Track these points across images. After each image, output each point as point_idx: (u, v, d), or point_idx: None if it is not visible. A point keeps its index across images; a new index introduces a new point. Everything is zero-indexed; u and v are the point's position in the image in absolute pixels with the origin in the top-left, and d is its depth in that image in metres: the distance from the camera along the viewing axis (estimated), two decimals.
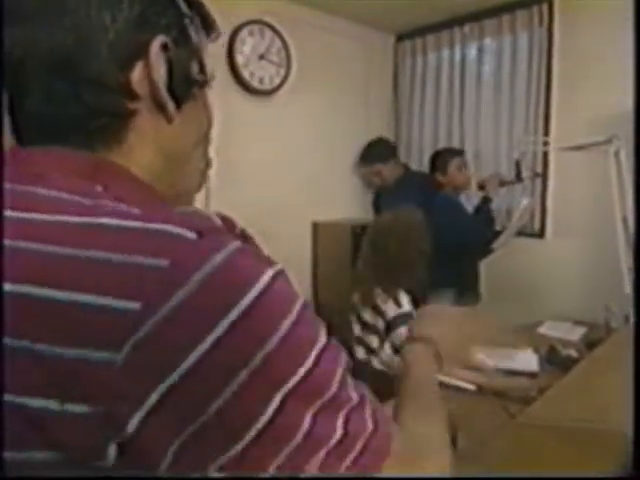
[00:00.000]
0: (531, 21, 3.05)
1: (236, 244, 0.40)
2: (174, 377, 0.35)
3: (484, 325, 0.86)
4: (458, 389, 1.60)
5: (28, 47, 0.44)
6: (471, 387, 1.57)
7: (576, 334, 2.49)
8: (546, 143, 2.95)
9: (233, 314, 0.37)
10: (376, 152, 3.32)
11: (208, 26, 0.56)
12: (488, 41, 3.31)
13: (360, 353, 2.05)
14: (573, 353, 2.10)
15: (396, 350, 1.95)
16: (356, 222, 3.19)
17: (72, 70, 0.45)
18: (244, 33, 2.83)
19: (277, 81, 3.02)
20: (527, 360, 2.07)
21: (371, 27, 3.54)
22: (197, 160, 0.56)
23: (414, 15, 3.33)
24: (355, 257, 2.93)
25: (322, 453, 0.40)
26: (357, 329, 2.08)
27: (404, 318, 1.96)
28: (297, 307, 0.40)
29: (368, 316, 2.03)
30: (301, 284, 3.34)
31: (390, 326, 1.95)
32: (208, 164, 0.59)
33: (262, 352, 0.37)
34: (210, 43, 0.58)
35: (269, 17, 2.92)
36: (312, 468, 0.40)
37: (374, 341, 2.01)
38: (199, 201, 0.60)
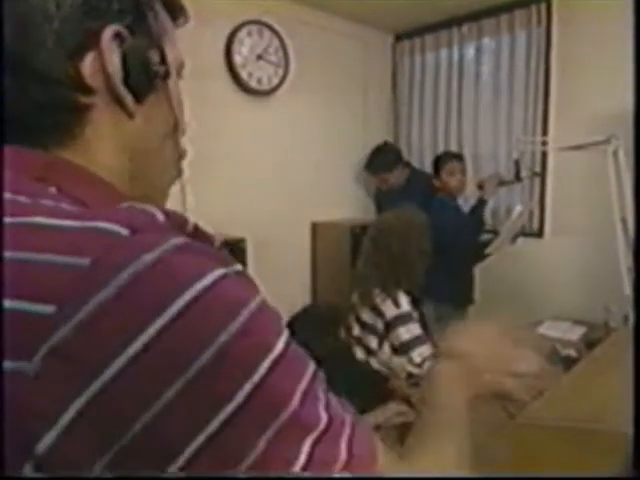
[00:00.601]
0: (529, 21, 3.06)
1: (176, 241, 0.36)
2: (92, 390, 0.31)
3: (521, 340, 0.78)
4: None
5: None
6: None
7: (575, 334, 2.49)
8: (545, 143, 2.95)
9: (161, 320, 0.32)
10: (381, 161, 3.30)
11: (173, 10, 0.52)
12: (486, 41, 3.31)
13: (359, 353, 2.05)
14: (572, 353, 2.10)
15: (395, 350, 1.94)
16: (355, 222, 3.19)
17: (18, 64, 0.41)
18: (242, 33, 2.82)
19: (275, 81, 3.02)
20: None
21: (370, 27, 3.54)
22: (168, 154, 0.53)
23: (413, 15, 3.33)
24: (354, 257, 2.93)
25: None
26: (356, 329, 2.07)
27: (403, 318, 1.96)
28: (246, 312, 0.35)
29: (367, 316, 2.03)
30: (300, 284, 3.34)
31: (389, 326, 1.95)
32: (181, 155, 0.56)
33: (197, 364, 0.33)
34: (178, 28, 0.54)
35: (267, 17, 2.91)
36: None
37: (373, 341, 2.01)
38: (190, 202, 0.59)
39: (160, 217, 0.38)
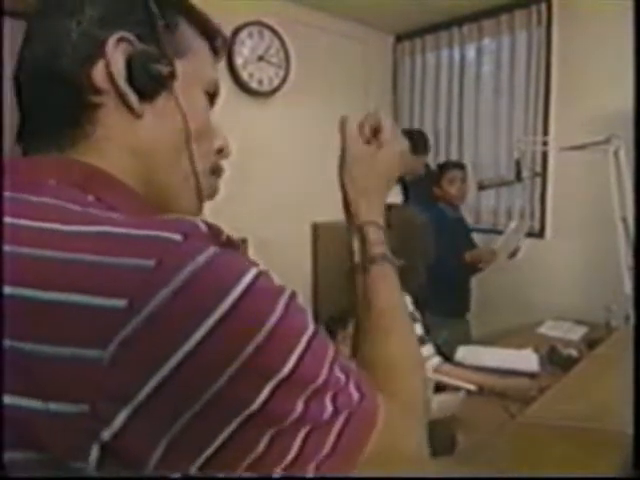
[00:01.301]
0: (530, 21, 3.06)
1: (216, 249, 0.40)
2: (163, 373, 0.35)
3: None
4: (458, 389, 1.60)
5: (21, 65, 0.52)
6: (472, 387, 1.57)
7: (576, 334, 2.49)
8: (545, 143, 2.95)
9: (218, 312, 0.37)
10: (414, 142, 3.19)
11: (204, 31, 0.57)
12: (487, 41, 3.31)
13: None
14: (573, 353, 2.10)
15: None
16: None
17: (46, 73, 0.49)
18: (243, 34, 2.83)
19: (276, 82, 3.02)
20: (527, 360, 2.07)
21: (370, 28, 3.54)
22: (182, 158, 0.55)
23: (413, 15, 3.34)
24: None
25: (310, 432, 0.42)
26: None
27: None
28: (282, 302, 0.41)
29: None
30: (301, 285, 3.34)
31: None
32: (215, 171, 0.60)
33: (250, 346, 0.37)
34: (218, 52, 0.60)
35: (268, 18, 2.92)
36: (296, 444, 0.41)
37: None
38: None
39: (203, 227, 0.43)
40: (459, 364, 2.03)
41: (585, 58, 2.88)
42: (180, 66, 0.53)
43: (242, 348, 0.37)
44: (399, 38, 3.72)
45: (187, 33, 0.55)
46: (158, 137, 0.53)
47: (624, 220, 2.22)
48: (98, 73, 0.49)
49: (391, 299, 0.65)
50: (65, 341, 0.35)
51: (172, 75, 0.52)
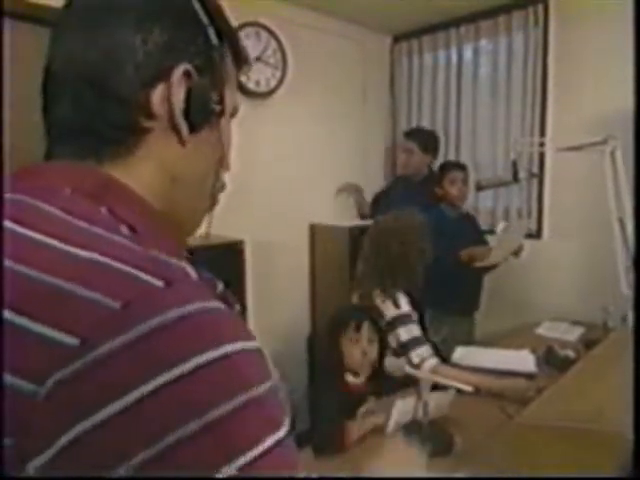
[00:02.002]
0: (527, 22, 3.06)
1: (207, 304, 0.38)
2: (86, 424, 0.32)
3: None
4: (456, 390, 1.60)
5: (65, 61, 0.50)
6: (468, 388, 1.57)
7: (574, 334, 2.49)
8: (542, 144, 2.96)
9: (162, 378, 0.33)
10: (422, 137, 3.23)
11: (239, 59, 0.59)
12: (484, 42, 3.31)
13: None
14: (571, 353, 2.11)
15: (393, 351, 1.94)
16: (354, 224, 3.19)
17: (99, 84, 0.48)
18: (240, 35, 2.82)
19: (273, 83, 3.02)
20: (524, 361, 2.07)
21: (367, 28, 3.55)
22: (208, 185, 0.57)
23: (410, 16, 3.34)
24: (353, 259, 2.93)
25: None
26: None
27: (403, 319, 1.96)
28: (245, 397, 0.36)
29: None
30: (299, 286, 3.34)
31: (388, 327, 1.95)
32: (219, 188, 0.61)
33: (179, 432, 0.33)
34: (241, 75, 0.62)
35: (265, 19, 2.91)
36: None
37: None
38: None
39: (192, 273, 0.41)
40: (456, 365, 2.04)
41: (582, 59, 2.88)
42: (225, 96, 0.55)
43: (164, 434, 0.33)
44: (396, 39, 3.72)
45: (228, 59, 0.57)
46: (196, 165, 0.54)
47: (621, 221, 2.23)
48: (157, 98, 0.49)
49: None
50: (9, 368, 0.33)
51: (222, 112, 0.54)
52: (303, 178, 3.22)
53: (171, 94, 0.49)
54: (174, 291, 0.37)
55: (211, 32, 0.53)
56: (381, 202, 3.32)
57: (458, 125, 3.43)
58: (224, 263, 2.46)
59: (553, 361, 2.09)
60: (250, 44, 2.88)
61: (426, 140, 3.25)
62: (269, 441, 0.37)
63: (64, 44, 0.51)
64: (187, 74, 0.50)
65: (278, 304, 3.16)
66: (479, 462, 1.23)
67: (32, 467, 0.33)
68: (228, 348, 0.36)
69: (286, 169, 3.13)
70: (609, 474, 1.06)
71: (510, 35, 3.15)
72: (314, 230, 3.34)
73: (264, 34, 2.93)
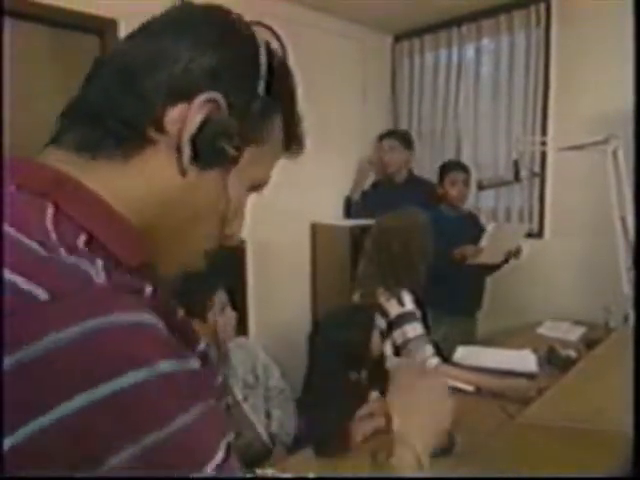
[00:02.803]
0: (528, 21, 3.06)
1: (108, 318, 0.33)
2: None
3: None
4: (456, 390, 1.59)
5: (113, 52, 0.51)
6: (469, 388, 1.56)
7: (575, 334, 2.49)
8: (544, 143, 2.95)
9: (36, 424, 0.30)
10: (403, 136, 3.39)
11: (291, 139, 0.58)
12: (486, 41, 3.31)
13: None
14: (572, 353, 2.10)
15: (397, 349, 1.94)
16: (354, 223, 3.19)
17: (131, 80, 0.47)
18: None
19: None
20: (526, 361, 2.06)
21: (369, 28, 3.54)
22: (198, 234, 0.53)
23: (412, 15, 3.33)
24: (354, 258, 2.92)
25: None
26: None
27: (407, 317, 1.96)
28: (163, 434, 0.32)
29: None
30: (300, 285, 3.34)
31: (392, 325, 1.95)
32: (212, 253, 0.57)
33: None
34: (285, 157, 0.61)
35: (266, 18, 2.91)
36: None
37: None
38: None
39: (100, 278, 0.36)
40: (457, 364, 2.03)
41: (583, 58, 2.88)
42: (248, 153, 0.51)
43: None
44: (398, 38, 3.72)
45: (274, 126, 0.54)
46: (191, 203, 0.50)
47: (623, 220, 2.22)
48: (173, 115, 0.47)
49: None
50: None
51: (234, 160, 0.51)
52: (304, 177, 3.21)
53: (188, 114, 0.47)
54: (58, 308, 0.32)
55: (262, 83, 0.51)
56: (365, 204, 3.32)
57: (459, 124, 3.42)
58: (225, 263, 2.46)
59: (554, 361, 2.09)
60: None
61: (404, 136, 3.39)
62: (204, 472, 0.34)
63: (121, 42, 0.51)
64: (212, 103, 0.48)
65: (279, 303, 3.16)
66: (480, 462, 1.23)
67: None
68: (124, 380, 0.32)
69: (286, 168, 3.12)
70: (610, 473, 1.06)
71: (512, 34, 3.14)
72: (315, 229, 3.34)
73: (265, 34, 2.93)
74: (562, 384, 1.52)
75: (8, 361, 0.29)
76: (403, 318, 1.96)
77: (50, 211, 0.41)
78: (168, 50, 0.48)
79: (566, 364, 1.94)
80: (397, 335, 1.94)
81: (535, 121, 3.07)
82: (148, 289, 0.42)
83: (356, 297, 2.11)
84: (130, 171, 0.47)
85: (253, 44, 0.53)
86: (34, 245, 0.36)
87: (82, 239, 0.42)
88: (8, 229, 0.37)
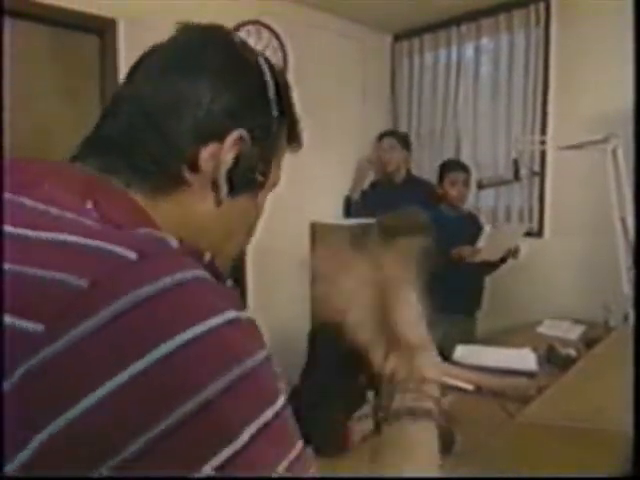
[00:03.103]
0: (528, 20, 3.06)
1: (186, 274, 0.35)
2: (60, 422, 0.30)
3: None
4: (456, 389, 1.60)
5: (136, 92, 0.51)
6: (469, 387, 1.57)
7: (575, 333, 2.49)
8: (543, 142, 2.95)
9: (149, 357, 0.31)
10: (402, 137, 3.42)
11: (293, 137, 0.61)
12: (485, 41, 3.31)
13: None
14: (572, 352, 2.10)
15: None
16: (354, 223, 3.19)
17: (156, 122, 0.49)
18: (241, 34, 2.82)
19: None
20: (526, 359, 2.07)
21: (368, 27, 3.54)
22: (229, 247, 0.57)
23: (411, 15, 3.33)
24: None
25: None
26: None
27: None
28: (239, 370, 0.34)
29: None
30: (299, 285, 3.34)
31: None
32: (241, 255, 0.60)
33: (175, 414, 0.31)
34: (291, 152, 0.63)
35: (266, 18, 2.91)
36: None
37: None
38: None
39: (173, 243, 0.38)
40: (457, 363, 2.04)
41: (583, 57, 2.88)
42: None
43: (161, 418, 0.31)
44: (397, 37, 3.72)
45: (283, 134, 0.58)
46: (224, 226, 0.54)
47: (623, 219, 2.22)
48: (206, 154, 0.49)
49: None
50: None
51: (264, 183, 0.55)
52: (304, 177, 3.21)
53: (221, 154, 0.49)
54: (148, 263, 0.35)
55: (274, 105, 0.54)
56: (364, 203, 3.33)
57: (459, 124, 3.43)
58: None
59: (554, 360, 2.09)
60: (251, 43, 2.87)
61: (403, 137, 3.42)
62: (266, 415, 0.35)
63: (138, 77, 0.52)
64: (240, 139, 0.51)
65: (278, 302, 3.16)
66: (480, 461, 1.23)
67: (10, 470, 0.30)
68: (213, 322, 0.34)
69: (286, 168, 3.12)
70: (609, 473, 1.06)
71: (511, 34, 3.15)
72: (315, 229, 3.34)
73: (265, 33, 2.93)
74: (562, 383, 1.52)
75: (104, 317, 0.31)
76: None
77: (90, 205, 0.42)
78: (188, 93, 0.50)
79: (566, 363, 1.94)
80: None
81: (535, 120, 3.07)
82: (207, 255, 0.44)
83: None
84: (163, 204, 0.49)
85: (259, 70, 0.55)
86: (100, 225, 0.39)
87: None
88: (68, 214, 0.39)
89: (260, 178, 0.54)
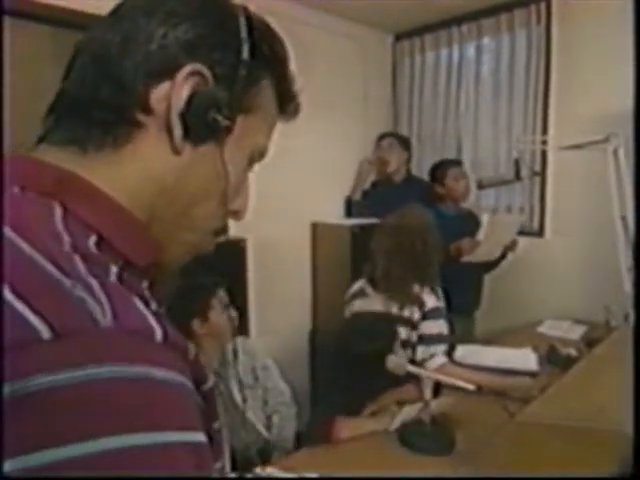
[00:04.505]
0: (529, 20, 3.05)
1: (106, 369, 0.31)
2: None
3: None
4: (458, 389, 1.59)
5: (87, 40, 0.49)
6: (471, 387, 1.56)
7: (576, 333, 2.49)
8: (545, 142, 2.95)
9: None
10: (402, 137, 3.44)
11: (285, 101, 0.57)
12: (486, 40, 3.30)
13: None
14: (573, 352, 2.10)
15: (420, 338, 1.97)
16: (355, 222, 3.19)
17: (107, 65, 0.46)
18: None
19: None
20: (527, 359, 2.07)
21: (369, 27, 3.54)
22: (202, 213, 0.52)
23: (412, 14, 3.33)
24: (354, 257, 2.92)
25: None
26: None
27: (441, 311, 2.01)
28: None
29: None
30: (301, 284, 3.34)
31: (426, 316, 1.99)
32: (218, 231, 0.56)
33: None
34: (288, 119, 0.61)
35: (266, 17, 2.91)
36: None
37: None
38: None
39: (106, 317, 0.33)
40: (458, 363, 2.04)
41: (584, 57, 2.87)
42: (241, 122, 0.50)
43: None
44: (398, 37, 3.71)
45: (265, 91, 0.53)
46: (190, 182, 0.49)
47: (623, 219, 2.22)
48: (158, 94, 0.46)
49: None
50: None
51: (228, 130, 0.49)
52: (305, 176, 3.21)
53: (172, 91, 0.46)
54: (58, 346, 0.31)
55: (245, 47, 0.49)
56: (366, 203, 3.33)
57: (460, 124, 3.42)
58: (226, 261, 2.46)
59: (555, 360, 2.09)
60: None
61: (402, 137, 3.44)
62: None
63: (94, 28, 0.49)
64: (197, 75, 0.46)
65: (280, 302, 3.16)
66: (481, 460, 1.23)
67: None
68: (110, 442, 0.30)
69: (287, 167, 3.13)
70: (610, 472, 1.06)
71: (512, 33, 3.14)
72: (316, 228, 3.34)
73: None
74: (563, 383, 1.52)
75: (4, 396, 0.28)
76: (438, 311, 2.00)
77: (59, 212, 0.40)
78: (141, 29, 0.46)
79: (567, 363, 1.94)
80: (430, 325, 1.97)
81: (536, 120, 3.07)
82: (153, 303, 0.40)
83: (372, 297, 2.10)
84: (123, 159, 0.46)
85: (230, 11, 0.51)
86: (45, 263, 0.35)
87: (93, 240, 0.41)
88: (14, 236, 0.35)
89: (224, 122, 0.48)
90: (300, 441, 1.83)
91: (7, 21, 2.02)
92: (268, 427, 1.85)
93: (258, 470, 1.46)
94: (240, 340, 1.96)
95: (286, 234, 3.15)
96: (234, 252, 2.61)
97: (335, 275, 3.20)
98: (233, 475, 1.41)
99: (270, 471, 1.41)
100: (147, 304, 0.40)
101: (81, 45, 0.49)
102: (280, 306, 3.16)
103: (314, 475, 1.37)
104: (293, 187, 3.17)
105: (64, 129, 0.47)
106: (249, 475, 1.45)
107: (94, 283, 0.35)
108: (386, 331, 1.85)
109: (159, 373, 0.34)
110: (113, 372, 0.31)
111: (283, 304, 3.18)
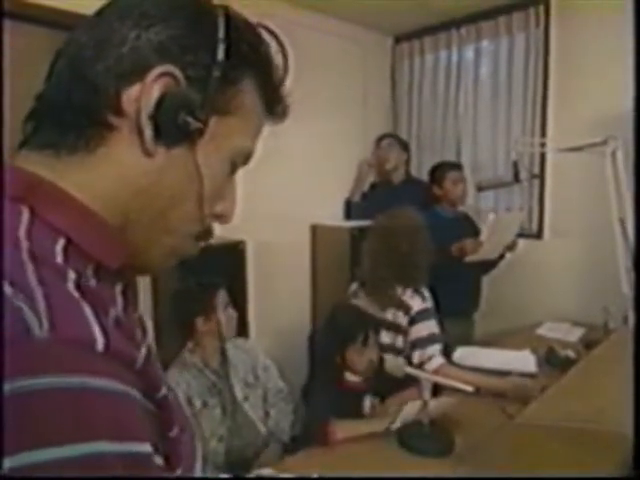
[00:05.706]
0: (528, 23, 3.06)
1: (46, 380, 0.31)
2: None
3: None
4: (456, 390, 1.60)
5: (67, 44, 0.49)
6: (469, 388, 1.57)
7: (574, 335, 2.49)
8: (543, 144, 2.95)
9: None
10: (400, 139, 3.48)
11: (271, 101, 0.55)
12: (485, 43, 3.31)
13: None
14: (571, 354, 2.11)
15: (412, 344, 1.97)
16: (354, 224, 3.19)
17: (80, 68, 0.46)
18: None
19: None
20: (525, 361, 2.07)
21: (369, 29, 3.55)
22: (177, 216, 0.50)
23: (411, 17, 3.34)
24: (354, 259, 2.93)
25: None
26: None
27: (429, 312, 2.00)
28: None
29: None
30: (300, 286, 3.34)
31: (414, 320, 1.98)
32: (200, 236, 0.54)
33: None
34: (276, 121, 0.58)
35: (266, 20, 2.91)
36: None
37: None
38: None
39: (43, 329, 0.33)
40: (457, 365, 2.04)
41: (583, 60, 2.88)
42: (218, 123, 0.49)
43: None
44: (398, 40, 3.72)
45: (246, 91, 0.51)
46: (165, 185, 0.48)
47: (622, 221, 2.22)
48: (129, 96, 0.45)
49: None
50: None
51: (200, 132, 0.48)
52: (304, 178, 3.22)
53: (142, 93, 0.45)
54: (59, 349, 0.32)
55: (221, 47, 0.48)
56: (365, 205, 3.34)
57: (459, 125, 3.43)
58: (226, 263, 2.47)
59: (554, 361, 2.09)
60: None
61: (401, 139, 3.48)
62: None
63: (73, 31, 0.49)
64: (167, 76, 0.46)
65: (279, 304, 3.16)
66: (480, 462, 1.23)
67: None
68: (31, 456, 0.30)
69: (287, 169, 3.13)
70: (609, 474, 1.06)
71: (511, 36, 3.15)
72: (315, 230, 3.34)
73: (265, 35, 2.93)
74: (561, 385, 1.52)
75: None
76: (426, 313, 1.99)
77: (25, 217, 0.40)
78: (115, 31, 0.46)
79: (565, 364, 1.95)
80: (421, 327, 1.96)
81: (534, 122, 3.07)
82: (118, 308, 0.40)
83: (359, 293, 2.11)
84: (96, 162, 0.46)
85: (207, 12, 0.50)
86: None
87: (61, 244, 0.41)
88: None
89: (195, 124, 0.47)
90: (297, 444, 1.82)
91: (6, 23, 2.02)
92: (265, 421, 1.86)
93: (257, 472, 1.46)
94: (240, 341, 1.97)
95: (286, 236, 3.15)
96: (234, 254, 2.61)
97: (334, 277, 3.20)
98: (226, 476, 1.41)
99: (269, 472, 1.41)
100: (106, 311, 0.40)
101: (61, 49, 0.49)
102: (280, 307, 3.16)
103: (314, 475, 1.37)
104: (292, 189, 3.17)
105: (41, 133, 0.47)
106: (247, 475, 1.45)
107: (38, 292, 0.35)
108: (355, 325, 1.84)
109: (97, 382, 0.34)
110: (44, 383, 0.31)
111: (283, 305, 3.18)
